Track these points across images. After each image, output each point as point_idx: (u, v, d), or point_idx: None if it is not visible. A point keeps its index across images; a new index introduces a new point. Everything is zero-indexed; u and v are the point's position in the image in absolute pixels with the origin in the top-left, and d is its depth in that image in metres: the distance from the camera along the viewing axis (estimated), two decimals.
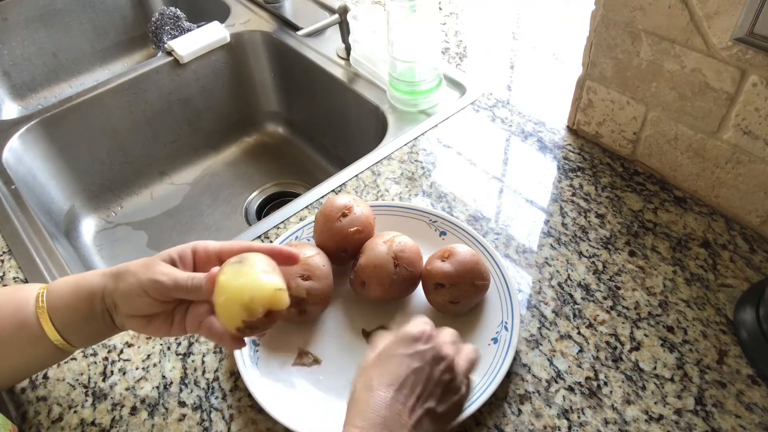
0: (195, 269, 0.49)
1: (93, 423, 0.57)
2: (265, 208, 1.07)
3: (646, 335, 0.60)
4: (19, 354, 0.49)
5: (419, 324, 0.46)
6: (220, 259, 0.48)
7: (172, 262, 0.48)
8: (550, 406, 0.55)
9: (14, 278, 0.70)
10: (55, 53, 1.24)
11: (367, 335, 0.61)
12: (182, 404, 0.58)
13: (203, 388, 0.59)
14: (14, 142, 0.90)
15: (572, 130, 0.82)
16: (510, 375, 0.58)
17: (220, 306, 0.42)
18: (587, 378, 0.57)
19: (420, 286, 0.62)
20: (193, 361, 0.61)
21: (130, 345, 0.63)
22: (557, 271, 0.66)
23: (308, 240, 0.68)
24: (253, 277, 0.42)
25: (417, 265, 0.61)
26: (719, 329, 0.60)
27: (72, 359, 0.62)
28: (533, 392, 0.56)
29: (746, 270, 0.64)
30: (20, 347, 0.48)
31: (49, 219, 0.92)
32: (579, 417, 0.54)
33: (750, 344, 0.57)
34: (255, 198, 1.08)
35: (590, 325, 0.61)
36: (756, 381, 0.56)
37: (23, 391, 0.59)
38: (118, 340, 0.63)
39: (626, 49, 0.69)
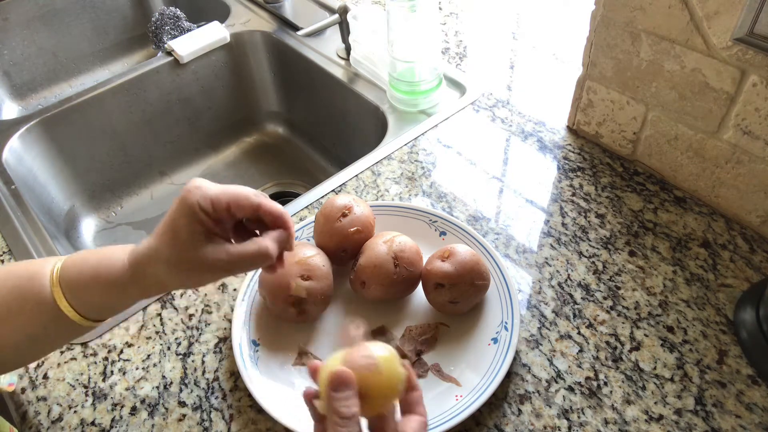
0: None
1: (93, 423, 0.57)
2: None
3: (646, 335, 0.60)
4: (35, 329, 0.45)
5: None
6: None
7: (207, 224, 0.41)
8: (550, 406, 0.55)
9: None
10: (55, 53, 1.24)
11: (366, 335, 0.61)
12: (182, 404, 0.58)
13: (203, 388, 0.59)
14: (14, 142, 0.90)
15: (572, 130, 0.82)
16: (510, 375, 0.58)
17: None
18: (587, 378, 0.57)
19: (420, 286, 0.62)
20: (193, 361, 0.61)
21: (130, 345, 0.63)
22: (557, 271, 0.66)
23: (308, 240, 0.68)
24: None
25: (417, 265, 0.61)
26: (719, 329, 0.60)
27: (72, 359, 0.62)
28: (533, 392, 0.56)
29: (746, 270, 0.64)
30: (37, 323, 0.45)
31: (49, 219, 0.92)
32: (579, 417, 0.54)
33: (750, 344, 0.57)
34: None
35: (590, 325, 0.61)
36: (756, 381, 0.56)
37: (23, 391, 0.60)
38: (118, 340, 0.63)
39: (626, 49, 0.69)
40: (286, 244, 0.45)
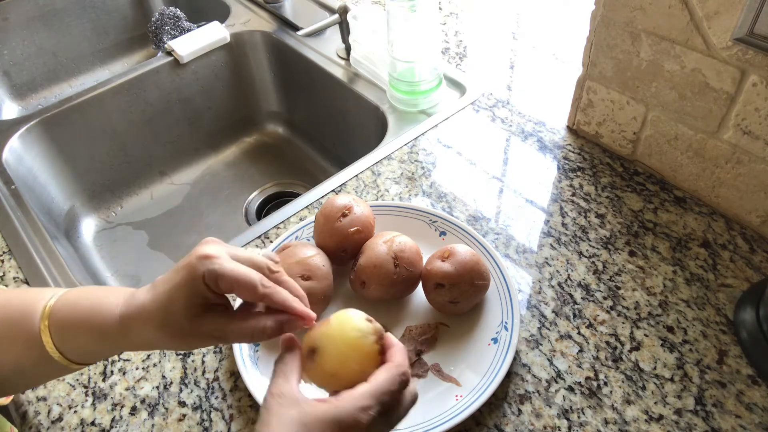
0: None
1: (93, 423, 0.57)
2: (265, 208, 1.07)
3: (646, 335, 0.60)
4: (24, 364, 0.45)
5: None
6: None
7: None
8: (550, 406, 0.55)
9: (14, 278, 0.70)
10: (55, 53, 1.24)
11: None
12: (182, 404, 0.58)
13: (203, 388, 0.59)
14: (14, 142, 0.90)
15: (572, 130, 0.82)
16: (510, 375, 0.58)
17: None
18: (587, 378, 0.57)
19: (420, 286, 0.62)
20: (193, 361, 0.61)
21: None
22: (557, 271, 0.66)
23: (308, 240, 0.68)
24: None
25: (417, 265, 0.61)
26: (719, 329, 0.60)
27: None
28: (533, 392, 0.56)
29: (746, 270, 0.64)
30: (26, 358, 0.44)
31: (49, 219, 0.92)
32: (579, 417, 0.54)
33: (750, 344, 0.57)
34: (255, 198, 1.08)
35: (590, 325, 0.61)
36: (756, 381, 0.56)
37: (23, 391, 0.60)
38: None
39: (626, 49, 0.69)
40: (288, 328, 0.42)
